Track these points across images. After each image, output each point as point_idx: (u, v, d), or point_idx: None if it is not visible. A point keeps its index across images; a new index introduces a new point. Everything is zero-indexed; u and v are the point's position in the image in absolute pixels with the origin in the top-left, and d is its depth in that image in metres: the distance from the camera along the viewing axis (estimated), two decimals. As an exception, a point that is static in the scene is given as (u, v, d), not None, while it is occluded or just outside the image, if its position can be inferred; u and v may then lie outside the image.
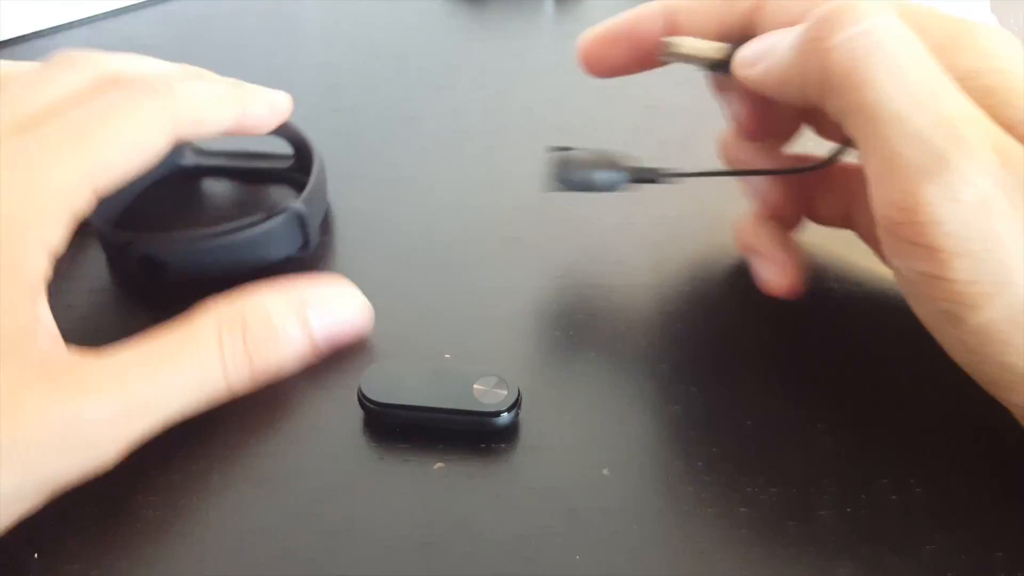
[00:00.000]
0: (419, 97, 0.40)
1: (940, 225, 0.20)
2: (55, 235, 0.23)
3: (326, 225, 0.32)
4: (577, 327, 0.28)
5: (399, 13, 0.47)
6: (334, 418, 0.25)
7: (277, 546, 0.22)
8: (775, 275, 0.28)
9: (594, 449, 0.24)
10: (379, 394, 0.24)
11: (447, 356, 0.27)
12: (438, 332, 0.28)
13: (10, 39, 0.44)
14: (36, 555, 0.21)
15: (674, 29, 0.27)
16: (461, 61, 0.43)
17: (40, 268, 0.22)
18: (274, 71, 0.42)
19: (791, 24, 0.23)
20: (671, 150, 0.36)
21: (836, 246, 0.30)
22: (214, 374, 0.23)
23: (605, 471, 0.24)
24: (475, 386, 0.24)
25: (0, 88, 0.25)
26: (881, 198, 0.21)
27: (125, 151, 0.24)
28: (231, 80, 0.29)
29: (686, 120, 0.38)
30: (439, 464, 0.24)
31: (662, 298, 0.29)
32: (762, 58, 0.24)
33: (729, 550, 0.22)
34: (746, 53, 0.25)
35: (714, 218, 0.32)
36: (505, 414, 0.24)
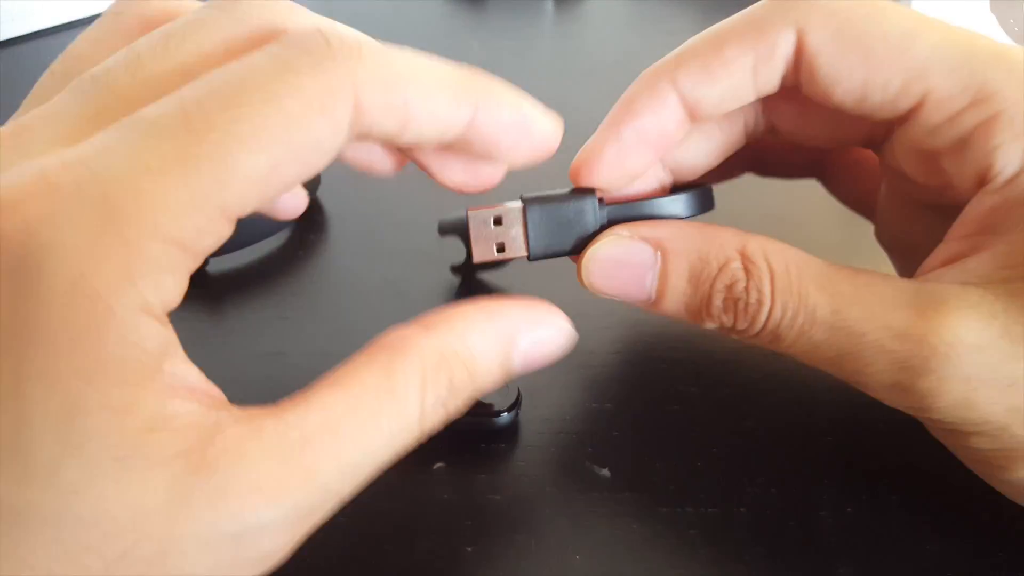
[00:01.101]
0: (419, 97, 0.40)
1: (937, 412, 0.19)
2: (159, 290, 0.15)
3: (323, 224, 0.32)
4: (580, 324, 0.28)
5: (399, 13, 0.47)
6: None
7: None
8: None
9: (594, 449, 0.24)
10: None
11: (440, 465, 0.25)
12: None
13: (10, 39, 0.44)
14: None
15: (695, 112, 0.21)
16: (461, 61, 0.43)
17: (147, 340, 0.15)
18: (274, 71, 0.42)
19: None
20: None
21: (837, 253, 0.30)
22: (409, 433, 0.18)
23: (605, 471, 0.24)
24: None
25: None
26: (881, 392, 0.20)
27: (279, 153, 0.15)
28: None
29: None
30: (439, 464, 0.24)
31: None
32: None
33: (729, 550, 0.22)
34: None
35: (718, 217, 0.32)
36: (505, 414, 0.24)
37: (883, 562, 0.21)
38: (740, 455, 0.24)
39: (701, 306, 0.21)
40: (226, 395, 0.26)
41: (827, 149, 0.27)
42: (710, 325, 0.21)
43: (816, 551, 0.22)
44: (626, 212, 0.22)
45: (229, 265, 0.30)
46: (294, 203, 0.22)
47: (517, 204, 0.22)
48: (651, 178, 0.24)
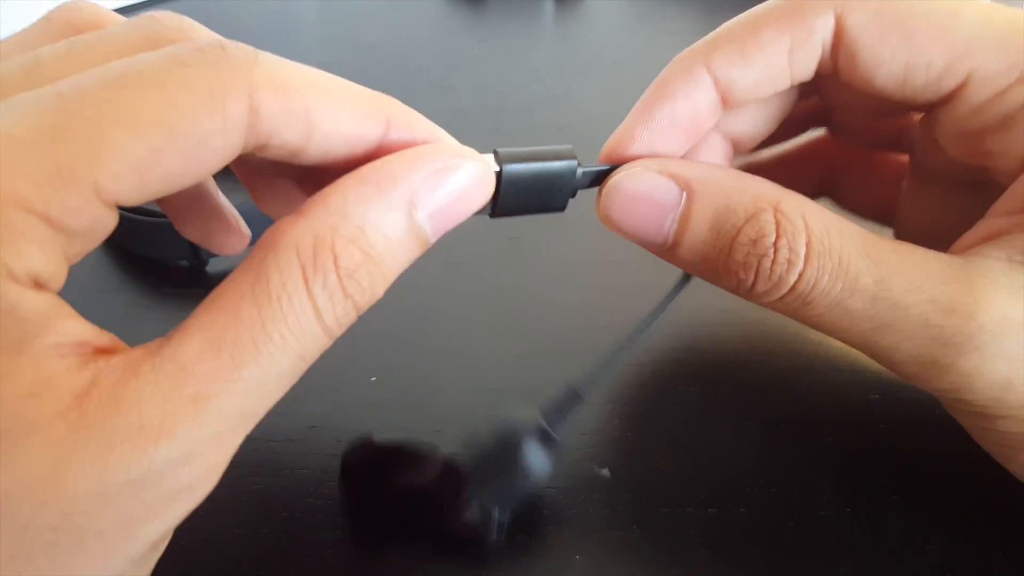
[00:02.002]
0: (419, 97, 0.40)
1: (972, 394, 0.18)
2: (23, 258, 0.14)
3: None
4: (579, 325, 0.28)
5: (399, 13, 0.47)
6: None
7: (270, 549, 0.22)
8: None
9: (594, 449, 0.24)
10: (363, 477, 0.22)
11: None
12: (438, 332, 0.28)
13: (10, 39, 0.44)
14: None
15: (729, 97, 0.21)
16: (461, 61, 0.43)
17: (19, 307, 0.14)
18: (274, 71, 0.42)
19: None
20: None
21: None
22: (310, 334, 0.16)
23: (605, 471, 0.24)
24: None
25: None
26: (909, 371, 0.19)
27: (159, 139, 0.15)
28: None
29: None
30: (439, 464, 0.24)
31: (662, 298, 0.29)
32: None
33: (729, 550, 0.22)
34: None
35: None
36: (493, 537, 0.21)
37: (883, 562, 0.21)
38: (740, 455, 0.24)
39: (719, 258, 0.19)
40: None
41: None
42: (725, 283, 0.19)
43: (816, 551, 0.22)
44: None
45: (229, 265, 0.30)
46: (230, 240, 0.21)
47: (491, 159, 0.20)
48: (715, 149, 0.23)
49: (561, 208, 0.21)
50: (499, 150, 0.20)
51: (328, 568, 0.21)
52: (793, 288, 0.18)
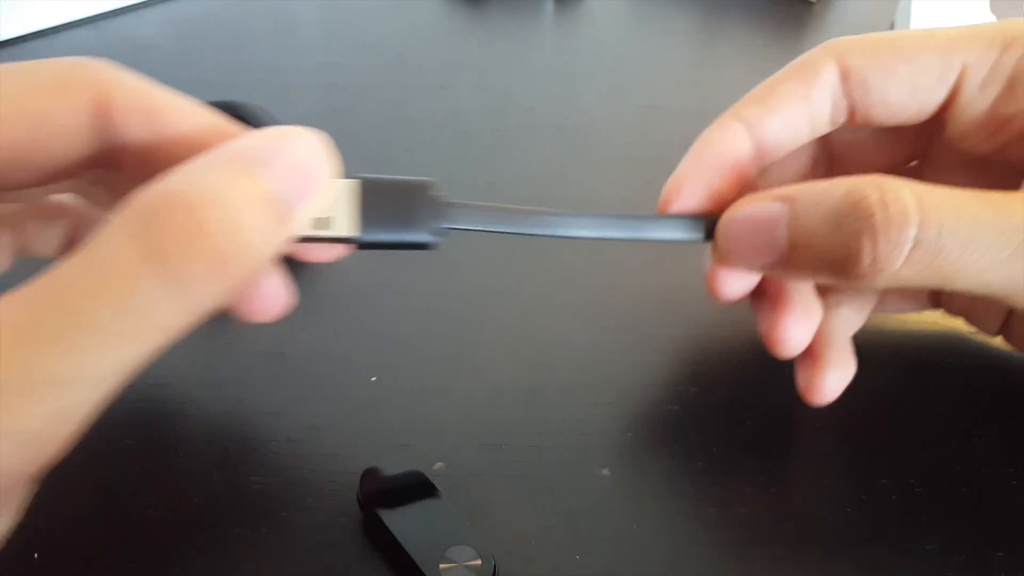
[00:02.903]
0: (419, 97, 0.40)
1: None
2: None
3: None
4: (579, 325, 0.28)
5: (399, 13, 0.47)
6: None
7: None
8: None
9: (594, 449, 0.24)
10: (375, 501, 0.22)
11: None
12: (438, 332, 0.28)
13: (10, 39, 0.44)
14: (36, 555, 0.21)
15: (763, 145, 0.23)
16: (461, 61, 0.43)
17: None
18: (274, 71, 0.42)
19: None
20: (671, 151, 0.36)
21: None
22: (155, 316, 0.16)
23: (605, 471, 0.24)
24: (442, 565, 0.21)
25: None
26: None
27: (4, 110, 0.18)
28: None
29: (686, 121, 0.38)
30: (438, 464, 0.24)
31: (662, 298, 0.29)
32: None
33: (729, 550, 0.22)
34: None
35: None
36: None
37: (883, 562, 0.21)
38: (740, 455, 0.24)
39: (836, 241, 0.19)
40: (226, 395, 0.26)
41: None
42: (852, 267, 0.19)
43: (816, 551, 0.22)
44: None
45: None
46: (270, 303, 0.21)
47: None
48: None
49: (426, 242, 0.20)
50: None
51: (328, 568, 0.21)
52: (919, 238, 0.18)
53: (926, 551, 0.22)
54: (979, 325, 0.26)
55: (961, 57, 0.22)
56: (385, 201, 0.20)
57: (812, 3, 0.45)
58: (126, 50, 0.43)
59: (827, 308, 0.24)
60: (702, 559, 0.22)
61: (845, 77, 0.22)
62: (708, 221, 0.22)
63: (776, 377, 0.26)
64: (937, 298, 0.26)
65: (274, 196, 0.17)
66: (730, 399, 0.26)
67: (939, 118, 0.23)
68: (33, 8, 0.44)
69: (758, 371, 0.27)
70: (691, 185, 0.23)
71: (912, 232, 0.18)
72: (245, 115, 0.35)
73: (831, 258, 0.20)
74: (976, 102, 0.22)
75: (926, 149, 0.25)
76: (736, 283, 0.23)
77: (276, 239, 0.17)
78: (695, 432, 0.25)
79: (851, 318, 0.25)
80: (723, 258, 0.22)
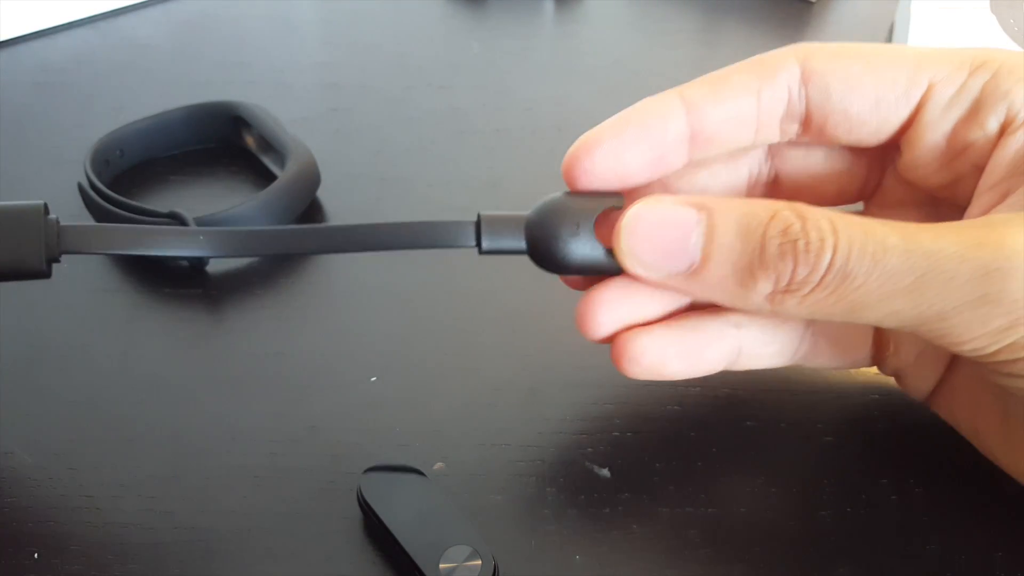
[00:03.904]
0: (419, 97, 0.40)
1: None
2: None
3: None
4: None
5: (399, 13, 0.47)
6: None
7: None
8: None
9: (594, 449, 0.24)
10: (375, 500, 0.22)
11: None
12: (438, 332, 0.28)
13: (10, 39, 0.44)
14: (36, 555, 0.21)
15: (699, 133, 0.22)
16: (461, 61, 0.43)
17: None
18: (274, 71, 0.42)
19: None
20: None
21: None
22: None
23: (605, 471, 0.24)
24: (441, 565, 0.21)
25: None
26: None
27: None
28: None
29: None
30: (439, 464, 0.24)
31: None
32: None
33: (729, 550, 0.22)
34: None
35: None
36: None
37: (883, 562, 0.21)
38: (740, 455, 0.24)
39: (751, 261, 0.19)
40: (225, 395, 0.26)
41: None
42: (763, 286, 0.19)
43: (816, 551, 0.22)
44: None
45: (229, 265, 0.30)
46: None
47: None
48: None
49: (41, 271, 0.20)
50: None
51: (328, 568, 0.21)
52: (831, 264, 0.19)
53: (926, 551, 0.22)
54: (911, 387, 0.24)
55: (928, 75, 0.21)
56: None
57: (812, 3, 0.45)
58: (126, 50, 0.43)
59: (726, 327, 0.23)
60: (702, 559, 0.22)
61: (807, 79, 0.21)
62: (476, 225, 0.21)
63: (777, 377, 0.26)
64: (879, 355, 0.24)
65: None
66: (730, 399, 0.26)
67: (895, 143, 0.22)
68: (33, 8, 0.44)
69: (758, 371, 0.27)
70: (606, 149, 0.21)
71: (827, 257, 0.19)
72: (245, 115, 0.35)
73: (745, 277, 0.19)
74: (937, 124, 0.21)
75: (876, 185, 0.24)
76: (611, 315, 0.22)
77: None
78: (695, 432, 0.25)
79: (758, 349, 0.23)
80: (625, 259, 0.20)
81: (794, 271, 0.19)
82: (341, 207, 0.33)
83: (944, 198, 0.22)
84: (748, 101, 0.21)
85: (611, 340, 0.22)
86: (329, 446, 0.24)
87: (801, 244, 0.19)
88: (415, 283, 0.30)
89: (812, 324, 0.24)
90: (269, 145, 0.34)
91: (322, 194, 0.34)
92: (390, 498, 0.22)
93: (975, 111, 0.21)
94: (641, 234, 0.20)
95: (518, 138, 0.37)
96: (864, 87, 0.21)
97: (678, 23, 0.43)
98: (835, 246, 0.19)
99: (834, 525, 0.22)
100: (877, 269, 0.18)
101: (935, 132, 0.21)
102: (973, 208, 0.21)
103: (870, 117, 0.21)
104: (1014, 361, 0.19)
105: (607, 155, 0.21)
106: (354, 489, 0.22)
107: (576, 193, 0.21)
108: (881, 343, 0.24)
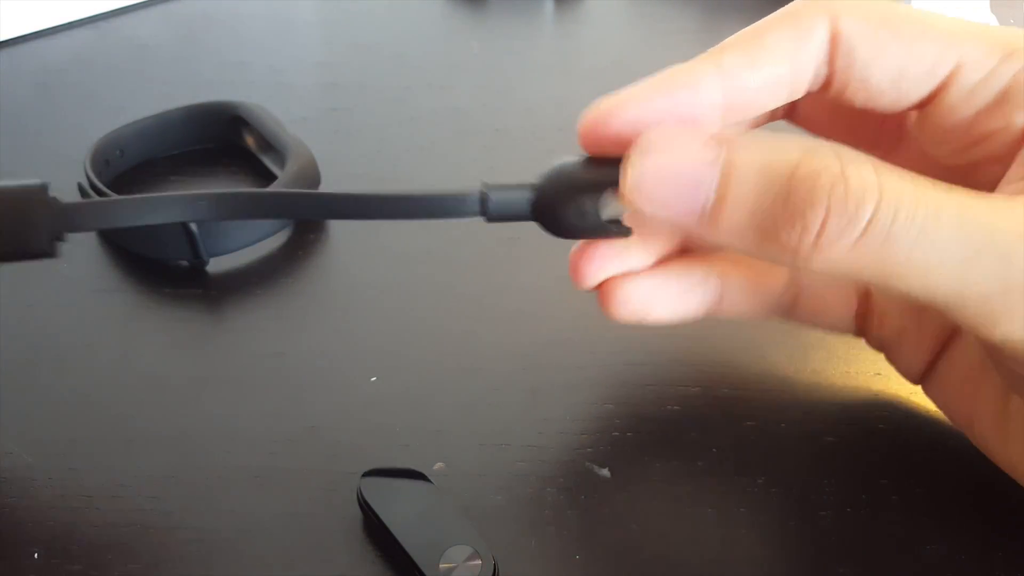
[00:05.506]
0: (419, 97, 0.40)
1: None
2: None
3: (323, 224, 0.32)
4: (579, 326, 0.28)
5: (399, 13, 0.47)
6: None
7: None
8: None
9: (594, 449, 0.24)
10: (375, 500, 0.22)
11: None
12: (438, 332, 0.28)
13: (10, 39, 0.44)
14: (36, 555, 0.21)
15: (735, 102, 0.20)
16: (461, 61, 0.43)
17: None
18: (274, 71, 0.42)
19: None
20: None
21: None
22: None
23: (605, 471, 0.24)
24: (441, 564, 0.20)
25: None
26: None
27: None
28: None
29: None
30: (439, 464, 0.24)
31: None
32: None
33: (729, 550, 0.22)
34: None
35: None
36: None
37: (883, 562, 0.21)
38: (740, 455, 0.24)
39: (775, 207, 0.17)
40: (225, 395, 0.26)
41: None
42: (784, 238, 0.17)
43: (816, 551, 0.22)
44: None
45: (229, 265, 0.30)
46: None
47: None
48: None
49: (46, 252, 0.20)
50: None
51: (328, 568, 0.21)
52: (871, 224, 0.16)
53: (926, 551, 0.22)
54: (900, 365, 0.24)
55: (958, 53, 0.19)
56: None
57: (812, 3, 0.45)
58: (126, 50, 0.43)
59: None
60: (702, 559, 0.22)
61: (835, 42, 0.20)
62: (482, 196, 0.20)
63: (777, 377, 0.26)
64: (863, 324, 0.24)
65: None
66: (730, 399, 0.26)
67: (913, 115, 0.21)
68: (33, 8, 0.44)
69: (758, 371, 0.27)
70: (629, 117, 0.19)
71: (869, 211, 0.16)
72: (245, 115, 0.35)
73: (767, 224, 0.17)
74: (959, 108, 0.20)
75: (894, 141, 0.22)
76: (602, 267, 0.21)
77: None
78: (695, 432, 0.25)
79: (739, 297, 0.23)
80: (631, 194, 0.18)
81: (825, 221, 0.17)
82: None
83: (957, 180, 0.21)
84: (785, 66, 0.20)
85: (599, 288, 0.22)
86: (329, 446, 0.24)
87: (840, 190, 0.16)
88: (415, 283, 0.30)
89: (797, 279, 0.23)
90: (269, 145, 0.34)
91: (322, 194, 0.34)
92: (390, 498, 0.22)
93: (1001, 102, 0.19)
94: (650, 168, 0.18)
95: (518, 138, 0.37)
96: (889, 57, 0.20)
97: (678, 23, 0.43)
98: (879, 200, 0.16)
99: (834, 525, 0.22)
100: (926, 238, 0.17)
101: (955, 115, 0.20)
102: (1004, 187, 0.20)
103: (890, 88, 0.20)
104: None
105: (629, 124, 0.19)
106: (354, 489, 0.22)
107: (589, 159, 0.20)
108: (866, 313, 0.24)
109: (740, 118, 0.20)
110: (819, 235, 0.17)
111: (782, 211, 0.17)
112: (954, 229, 0.17)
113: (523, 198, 0.20)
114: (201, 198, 0.20)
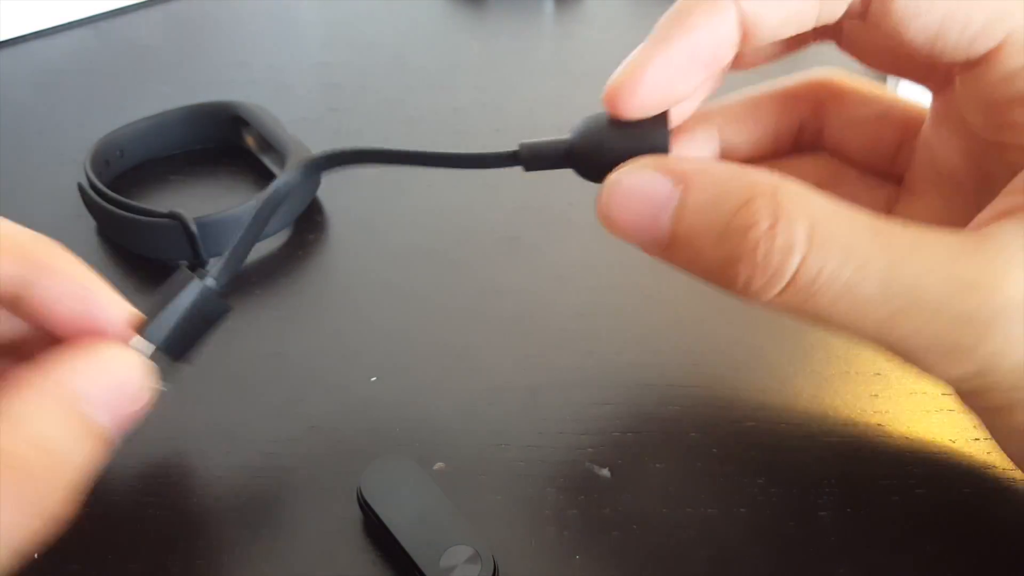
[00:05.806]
0: (418, 97, 0.40)
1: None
2: None
3: (323, 224, 0.32)
4: (579, 325, 0.28)
5: (399, 13, 0.47)
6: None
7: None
8: None
9: (594, 449, 0.24)
10: (375, 500, 0.22)
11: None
12: (438, 332, 0.28)
13: (10, 39, 0.44)
14: (36, 555, 0.21)
15: (753, 28, 0.19)
16: (461, 61, 0.43)
17: None
18: (274, 71, 0.42)
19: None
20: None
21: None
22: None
23: (605, 471, 0.24)
24: (441, 564, 0.21)
25: None
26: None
27: None
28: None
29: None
30: (439, 464, 0.24)
31: (662, 298, 0.29)
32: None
33: (729, 550, 0.22)
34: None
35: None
36: None
37: (883, 562, 0.21)
38: (740, 455, 0.24)
39: (715, 251, 0.18)
40: (226, 395, 0.26)
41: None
42: (725, 280, 0.18)
43: (816, 551, 0.22)
44: None
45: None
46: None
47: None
48: (704, 147, 0.23)
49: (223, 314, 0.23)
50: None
51: (328, 568, 0.21)
52: (795, 279, 0.17)
53: (926, 551, 0.22)
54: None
55: (1006, 29, 0.18)
56: (175, 328, 0.21)
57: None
58: (126, 50, 0.43)
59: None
60: (702, 560, 0.22)
61: None
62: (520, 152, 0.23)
63: (777, 377, 0.26)
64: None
65: (96, 420, 0.18)
66: (730, 399, 0.26)
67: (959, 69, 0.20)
68: (33, 8, 0.44)
69: (758, 371, 0.27)
70: (649, 78, 0.19)
71: (792, 268, 0.17)
72: (245, 115, 0.35)
73: (708, 265, 0.18)
74: (998, 88, 0.19)
75: (942, 84, 0.21)
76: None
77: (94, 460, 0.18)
78: (695, 432, 0.25)
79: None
80: (603, 221, 0.19)
81: (751, 275, 0.17)
82: (341, 207, 0.33)
83: (989, 156, 0.20)
84: (811, 3, 0.19)
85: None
86: (329, 446, 0.24)
87: (764, 248, 0.17)
88: (415, 283, 0.30)
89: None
90: (269, 145, 0.34)
91: (322, 194, 0.34)
92: (390, 498, 0.22)
93: None
94: (618, 201, 0.19)
95: (518, 138, 0.37)
96: (930, 16, 0.18)
97: (678, 23, 0.43)
98: (806, 255, 0.17)
99: (834, 525, 0.22)
100: (848, 296, 0.17)
101: (993, 93, 0.19)
102: (996, 205, 0.19)
103: (923, 47, 0.19)
104: (979, 394, 0.19)
105: (654, 87, 0.19)
106: (354, 489, 0.22)
107: (620, 122, 0.21)
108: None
109: (761, 43, 0.20)
110: (747, 285, 0.18)
111: (721, 258, 0.18)
112: (880, 286, 0.17)
113: (559, 146, 0.22)
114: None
